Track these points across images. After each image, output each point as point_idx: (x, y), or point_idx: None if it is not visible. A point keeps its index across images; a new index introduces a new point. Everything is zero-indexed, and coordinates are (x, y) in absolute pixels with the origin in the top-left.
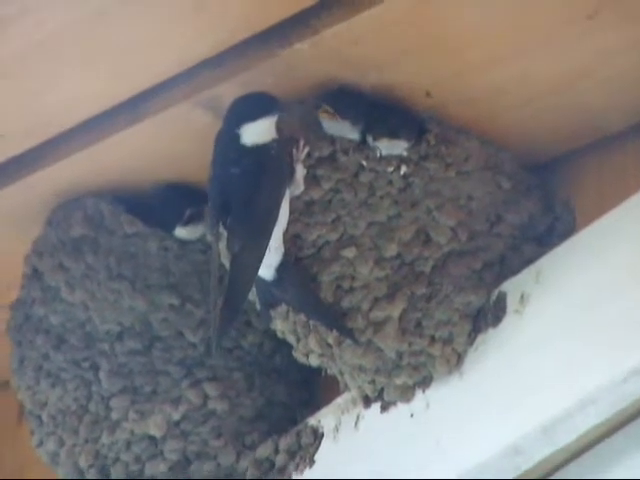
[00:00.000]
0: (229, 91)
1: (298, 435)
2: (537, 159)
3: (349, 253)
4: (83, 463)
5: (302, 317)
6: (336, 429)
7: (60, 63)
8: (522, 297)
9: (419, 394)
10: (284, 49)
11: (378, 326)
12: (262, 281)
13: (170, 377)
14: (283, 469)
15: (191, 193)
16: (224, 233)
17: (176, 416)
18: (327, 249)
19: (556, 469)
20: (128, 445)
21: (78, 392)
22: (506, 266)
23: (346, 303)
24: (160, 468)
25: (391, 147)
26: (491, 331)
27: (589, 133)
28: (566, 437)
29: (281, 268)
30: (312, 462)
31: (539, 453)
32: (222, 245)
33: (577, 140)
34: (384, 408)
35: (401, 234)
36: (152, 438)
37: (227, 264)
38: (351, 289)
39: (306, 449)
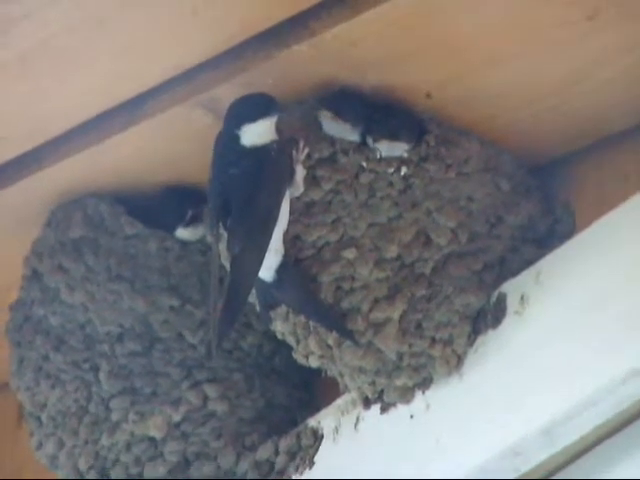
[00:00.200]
0: (228, 92)
1: (298, 436)
2: (537, 160)
3: (349, 254)
4: (83, 464)
5: (302, 318)
6: (336, 430)
7: (61, 65)
8: (522, 298)
9: (419, 395)
10: (283, 51)
11: (378, 327)
12: (262, 282)
13: (170, 378)
14: (283, 470)
15: (192, 194)
16: (224, 234)
17: (176, 417)
18: (327, 250)
19: (556, 470)
20: (128, 446)
21: (78, 393)
22: (506, 267)
23: (346, 304)
24: (160, 469)
25: (391, 149)
26: (491, 332)
27: (589, 134)
28: (566, 438)
29: (281, 269)
30: (312, 463)
31: (539, 454)
32: (222, 246)
33: (577, 141)
34: (384, 409)
35: (401, 235)
36: (152, 439)
37: (227, 265)
38: (351, 290)
39: (306, 450)
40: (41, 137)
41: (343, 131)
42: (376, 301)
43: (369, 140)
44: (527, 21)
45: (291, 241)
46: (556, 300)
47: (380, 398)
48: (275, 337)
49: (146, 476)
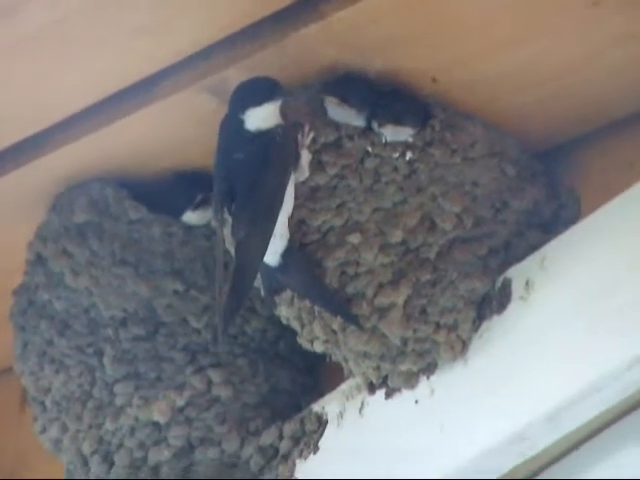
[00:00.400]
0: (235, 76)
1: (302, 421)
2: (542, 146)
3: (354, 239)
4: (86, 449)
5: (307, 303)
6: (340, 415)
7: (67, 48)
8: (527, 284)
9: (423, 381)
10: (291, 34)
11: (383, 312)
12: (267, 267)
13: (174, 363)
14: (287, 455)
15: (201, 179)
16: (229, 219)
17: (180, 402)
18: (332, 235)
19: (561, 455)
20: (132, 431)
21: (82, 378)
22: (511, 253)
23: (351, 289)
24: (164, 454)
25: (396, 134)
26: (496, 318)
27: (594, 119)
28: (571, 424)
29: (286, 254)
30: (316, 448)
31: (544, 440)
32: (227, 231)
33: (582, 126)
34: (388, 394)
35: (406, 220)
36: (156, 424)
37: (232, 250)
38: (356, 275)
39: (310, 435)
40: (46, 121)
41: (348, 116)
42: (381, 286)
43: (374, 125)
44: (532, 6)
45: (296, 226)
46: (561, 285)
47: (385, 383)
48: (279, 322)
49: (150, 461)
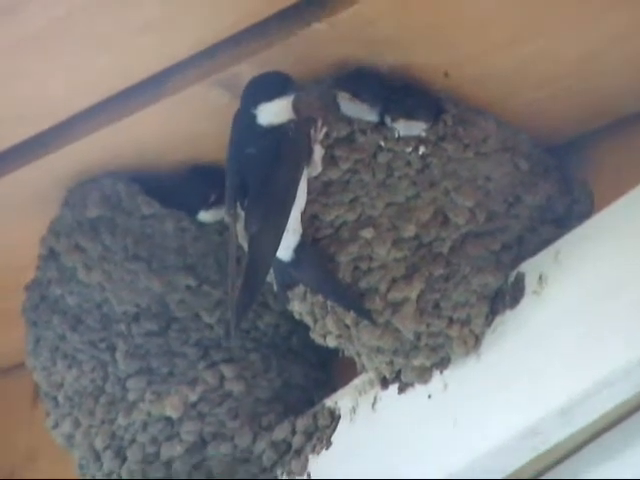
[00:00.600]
0: (247, 71)
1: (315, 417)
2: (555, 140)
3: (367, 234)
4: (99, 444)
5: (320, 298)
6: (353, 410)
7: (77, 43)
8: (540, 278)
9: (437, 375)
10: (302, 29)
11: (396, 307)
12: (280, 262)
13: (187, 358)
14: (300, 450)
15: (214, 177)
16: (241, 214)
17: (193, 397)
18: (345, 230)
19: (574, 450)
20: (144, 426)
21: (94, 373)
22: (524, 247)
23: (364, 284)
24: (177, 449)
25: (409, 128)
26: (509, 312)
27: (607, 114)
28: (584, 418)
29: (299, 249)
30: (329, 443)
31: (557, 434)
32: (239, 226)
33: (595, 121)
34: (401, 389)
35: (419, 215)
36: (168, 419)
37: (245, 245)
38: (369, 270)
39: (323, 430)
40: (59, 116)
41: (361, 111)
42: (394, 281)
43: (387, 119)
44: (543, 1)
45: (309, 221)
46: (575, 280)
47: (398, 378)
48: (292, 317)
49: (163, 456)
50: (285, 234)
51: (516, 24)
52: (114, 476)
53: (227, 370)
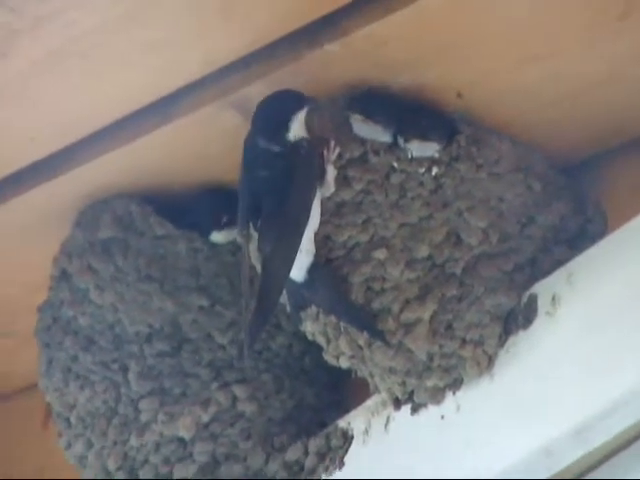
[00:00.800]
0: (259, 92)
1: (328, 437)
2: (568, 160)
3: (380, 254)
4: (111, 465)
5: (333, 319)
6: (366, 431)
7: (90, 64)
8: (553, 299)
9: (449, 396)
10: (314, 50)
11: (409, 328)
12: (292, 283)
13: (199, 379)
14: (312, 471)
15: (226, 197)
16: (254, 235)
17: (205, 418)
18: (358, 250)
19: (588, 470)
20: (157, 447)
21: (107, 394)
22: (537, 268)
23: (377, 305)
24: (189, 470)
25: (422, 149)
26: (522, 333)
27: (620, 134)
28: (598, 439)
29: (312, 270)
30: (342, 464)
31: (571, 455)
32: (252, 247)
33: (608, 141)
34: (414, 410)
35: (432, 235)
36: (181, 440)
37: (258, 266)
38: (382, 290)
39: (336, 451)
40: (71, 137)
41: (374, 133)
42: (407, 301)
43: (400, 140)
44: (558, 20)
45: (322, 241)
46: (588, 301)
47: (410, 399)
48: (305, 337)
49: (175, 477)
50: (298, 255)
51: (530, 44)
52: None
53: (239, 391)
